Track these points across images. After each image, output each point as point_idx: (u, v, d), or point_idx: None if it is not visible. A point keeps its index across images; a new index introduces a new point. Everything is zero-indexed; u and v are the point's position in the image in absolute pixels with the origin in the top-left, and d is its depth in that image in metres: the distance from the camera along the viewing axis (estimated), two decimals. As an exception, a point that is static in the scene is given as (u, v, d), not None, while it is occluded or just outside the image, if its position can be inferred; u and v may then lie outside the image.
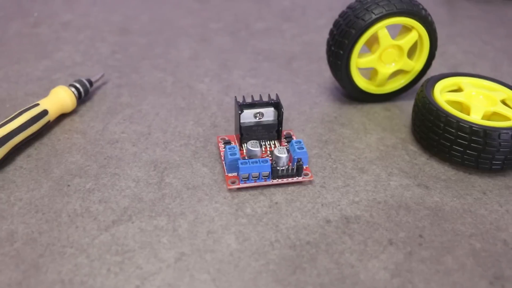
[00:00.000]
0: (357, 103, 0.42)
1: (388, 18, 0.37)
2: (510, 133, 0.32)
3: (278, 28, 0.56)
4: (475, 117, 0.35)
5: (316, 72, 0.47)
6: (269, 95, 0.35)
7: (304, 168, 0.33)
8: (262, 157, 0.34)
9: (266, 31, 0.55)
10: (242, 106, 0.34)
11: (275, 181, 0.33)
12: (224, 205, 0.31)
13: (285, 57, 0.50)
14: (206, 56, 0.49)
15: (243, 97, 0.35)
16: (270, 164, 0.32)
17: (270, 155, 0.35)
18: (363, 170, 0.35)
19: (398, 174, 0.34)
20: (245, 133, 0.35)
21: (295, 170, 0.33)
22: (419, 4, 0.38)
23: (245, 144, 0.35)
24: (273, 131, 0.35)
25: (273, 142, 0.36)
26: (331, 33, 0.39)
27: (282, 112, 0.34)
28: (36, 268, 0.27)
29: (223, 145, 0.36)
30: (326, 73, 0.47)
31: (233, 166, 0.33)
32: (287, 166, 0.33)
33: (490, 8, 0.63)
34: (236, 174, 0.33)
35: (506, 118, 0.35)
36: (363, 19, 0.37)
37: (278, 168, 0.32)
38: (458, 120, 0.33)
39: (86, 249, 0.28)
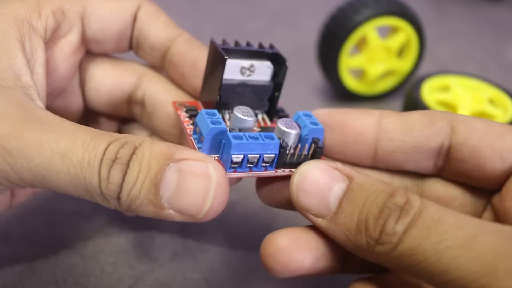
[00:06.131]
0: (347, 104, 0.43)
1: (377, 19, 0.38)
2: (496, 131, 0.33)
3: (269, 29, 0.56)
4: (463, 116, 0.35)
5: (307, 73, 0.47)
6: (260, 43, 0.25)
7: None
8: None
9: (258, 32, 0.55)
10: (228, 51, 0.22)
11: (279, 172, 0.21)
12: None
13: (276, 58, 0.50)
14: (198, 58, 0.49)
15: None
16: (279, 142, 0.20)
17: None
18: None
19: (388, 173, 0.35)
20: (225, 96, 0.23)
21: (309, 156, 0.21)
22: (407, 5, 0.39)
23: (226, 111, 0.23)
24: (265, 98, 0.24)
25: (261, 116, 0.24)
26: (321, 34, 0.40)
27: (286, 67, 0.23)
28: (31, 269, 0.27)
29: (184, 114, 0.23)
30: (316, 74, 0.47)
31: (216, 143, 0.20)
32: (294, 151, 0.21)
33: (478, 9, 0.64)
34: (218, 156, 0.21)
35: (493, 117, 0.36)
36: (352, 21, 0.37)
37: (286, 151, 0.21)
38: (446, 119, 0.34)
39: (80, 249, 0.28)
